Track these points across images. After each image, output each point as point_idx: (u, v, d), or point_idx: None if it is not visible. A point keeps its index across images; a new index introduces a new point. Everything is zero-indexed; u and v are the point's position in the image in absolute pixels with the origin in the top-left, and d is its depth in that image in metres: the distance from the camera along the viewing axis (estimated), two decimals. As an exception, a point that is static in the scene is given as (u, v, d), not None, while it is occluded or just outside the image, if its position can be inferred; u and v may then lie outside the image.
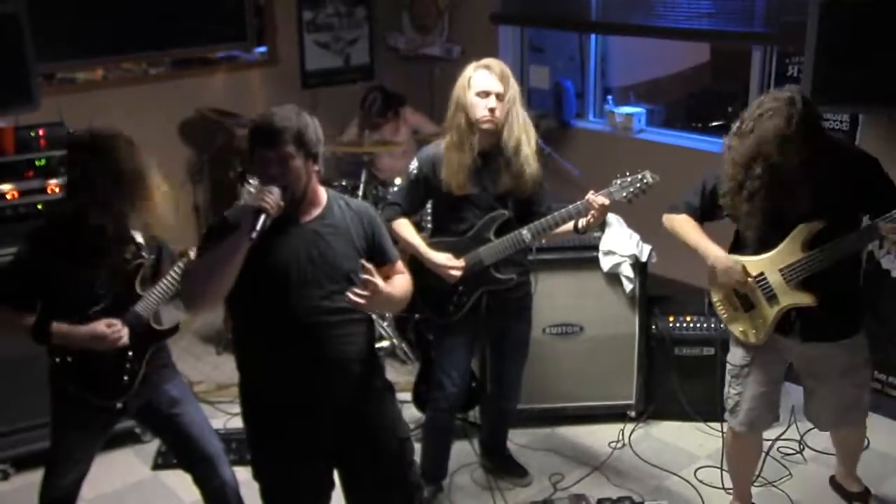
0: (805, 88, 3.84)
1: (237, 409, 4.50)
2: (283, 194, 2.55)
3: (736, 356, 3.36)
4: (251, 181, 3.11)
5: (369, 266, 2.56)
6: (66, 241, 2.90)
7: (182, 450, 3.21)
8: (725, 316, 3.32)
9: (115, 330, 2.93)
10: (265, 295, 2.63)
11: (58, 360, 3.00)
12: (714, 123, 5.74)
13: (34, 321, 2.93)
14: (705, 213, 3.31)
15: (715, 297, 3.35)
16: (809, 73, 3.90)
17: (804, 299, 3.12)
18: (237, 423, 4.42)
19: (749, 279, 3.17)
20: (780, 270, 3.13)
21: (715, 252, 3.23)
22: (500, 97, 3.32)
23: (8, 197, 3.85)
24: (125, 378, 3.03)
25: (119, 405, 3.06)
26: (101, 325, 2.91)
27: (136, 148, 2.95)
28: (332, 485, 2.89)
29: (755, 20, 4.92)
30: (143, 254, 3.03)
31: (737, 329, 3.29)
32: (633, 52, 6.05)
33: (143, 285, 3.04)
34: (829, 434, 3.69)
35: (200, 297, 2.62)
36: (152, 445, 4.22)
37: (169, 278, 3.03)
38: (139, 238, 3.04)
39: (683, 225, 3.33)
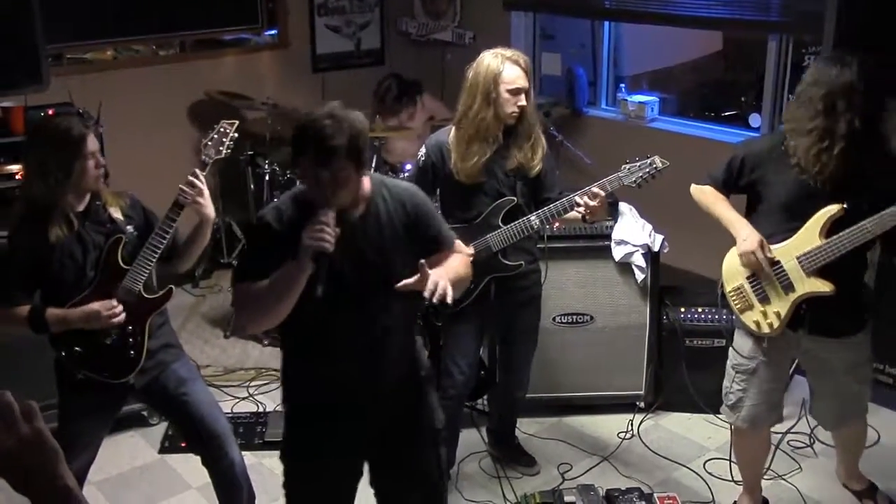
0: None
1: (244, 393, 4.56)
2: (332, 208, 2.42)
3: (743, 350, 3.30)
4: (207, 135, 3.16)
5: (422, 263, 2.43)
6: (41, 230, 2.90)
7: (190, 429, 3.20)
8: (739, 306, 3.24)
9: (110, 307, 2.92)
10: (324, 293, 2.50)
11: (63, 352, 3.00)
12: (727, 113, 5.70)
13: (29, 312, 2.93)
14: (729, 186, 3.25)
15: (728, 287, 3.27)
16: (827, 63, 3.85)
17: (821, 287, 3.06)
18: (245, 406, 4.45)
19: (771, 260, 3.11)
20: (798, 258, 3.07)
21: (738, 223, 3.18)
22: (528, 93, 3.33)
23: (18, 177, 3.84)
24: (132, 353, 3.03)
25: (131, 381, 3.06)
26: (95, 305, 2.92)
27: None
28: (360, 473, 2.84)
29: (771, 9, 4.87)
30: (121, 228, 3.02)
31: (750, 320, 3.23)
32: (646, 39, 6.00)
33: (128, 259, 3.02)
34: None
35: (256, 326, 2.62)
36: (159, 429, 4.22)
37: (150, 244, 3.00)
38: (116, 215, 3.03)
39: (708, 195, 3.28)
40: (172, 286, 3.14)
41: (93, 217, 3.00)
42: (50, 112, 4.17)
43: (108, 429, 3.26)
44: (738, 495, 3.64)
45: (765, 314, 3.19)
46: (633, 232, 4.13)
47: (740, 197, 3.28)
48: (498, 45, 3.47)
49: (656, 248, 4.14)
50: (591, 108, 5.90)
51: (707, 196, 3.29)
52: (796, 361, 3.67)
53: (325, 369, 2.63)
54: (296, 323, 2.55)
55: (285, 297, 2.44)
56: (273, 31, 6.25)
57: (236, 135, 3.25)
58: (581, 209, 3.30)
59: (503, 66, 3.31)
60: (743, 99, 5.62)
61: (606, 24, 5.80)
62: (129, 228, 3.05)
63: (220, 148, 3.17)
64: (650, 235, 4.13)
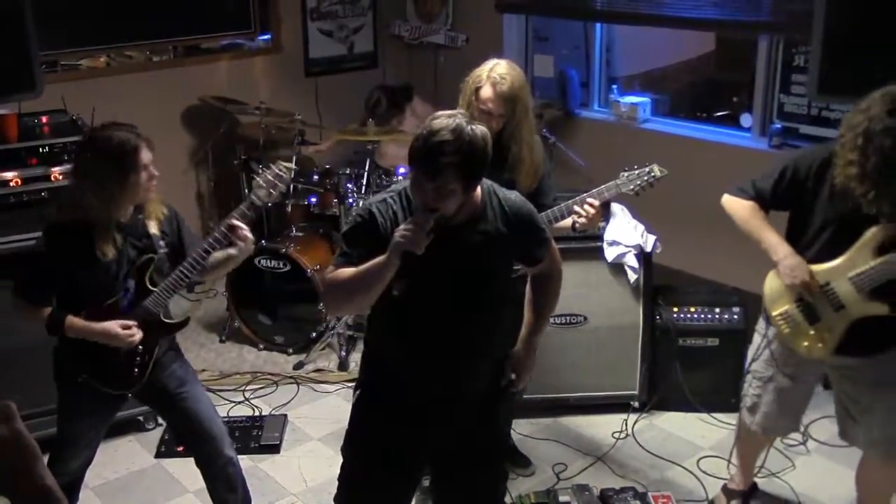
0: (811, 79, 3.82)
1: (240, 397, 4.57)
2: (434, 217, 2.39)
3: (761, 360, 3.26)
4: (259, 173, 3.11)
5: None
6: (80, 236, 2.89)
7: (187, 430, 3.22)
8: (788, 331, 3.09)
9: (129, 333, 2.95)
10: (413, 293, 2.52)
11: (71, 353, 3.02)
12: (719, 113, 5.72)
13: (49, 316, 2.95)
14: (776, 202, 3.07)
15: (775, 311, 3.10)
16: (816, 63, 3.86)
17: (878, 309, 2.91)
18: (240, 410, 4.46)
19: (817, 285, 2.98)
20: (851, 279, 2.92)
21: (784, 248, 3.03)
22: (501, 117, 3.27)
23: (11, 184, 3.84)
24: (136, 371, 3.06)
25: (128, 395, 3.10)
26: (115, 326, 2.93)
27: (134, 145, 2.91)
28: (417, 482, 2.86)
29: (762, 9, 4.89)
30: (156, 247, 3.03)
31: (801, 345, 3.07)
32: (638, 41, 6.02)
33: (155, 279, 3.03)
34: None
35: (338, 310, 2.74)
36: (156, 433, 4.23)
37: (180, 272, 3.01)
38: (153, 230, 3.03)
39: (747, 213, 3.09)
40: (190, 316, 3.17)
41: (132, 230, 3.00)
42: (43, 119, 4.18)
43: (106, 427, 3.27)
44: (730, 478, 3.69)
45: (815, 337, 3.04)
46: (625, 233, 4.15)
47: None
48: (491, 48, 3.49)
49: (649, 249, 4.15)
50: (583, 109, 5.92)
51: (746, 212, 3.11)
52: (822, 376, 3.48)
53: (399, 369, 2.63)
54: (379, 316, 2.61)
55: (369, 289, 2.44)
56: (266, 36, 6.26)
57: (291, 179, 3.17)
58: (582, 219, 3.30)
59: (484, 83, 3.25)
60: (735, 99, 5.64)
61: (599, 25, 5.82)
62: (162, 246, 3.04)
63: (272, 191, 3.11)
64: (642, 236, 4.15)
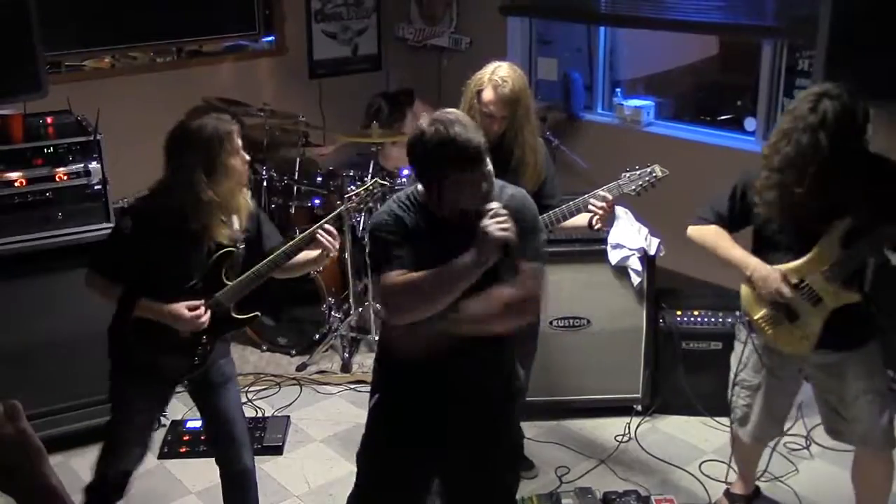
0: (815, 83, 3.82)
1: (243, 398, 4.56)
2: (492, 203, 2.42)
3: (747, 365, 3.27)
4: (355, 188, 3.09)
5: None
6: (165, 221, 2.89)
7: (218, 427, 3.22)
8: (771, 332, 3.12)
9: (198, 315, 2.94)
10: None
11: (133, 334, 2.99)
12: (723, 117, 5.72)
13: (123, 293, 2.95)
14: (735, 221, 3.15)
15: (756, 315, 3.14)
16: (820, 67, 3.87)
17: (852, 297, 2.98)
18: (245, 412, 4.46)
19: (791, 287, 3.02)
20: (823, 272, 2.97)
21: (752, 262, 3.08)
22: (503, 119, 3.30)
23: (16, 184, 3.85)
24: (195, 360, 3.06)
25: (185, 383, 3.11)
26: (183, 308, 2.92)
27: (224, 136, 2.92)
28: (430, 485, 2.83)
29: (766, 13, 4.90)
30: (236, 242, 3.02)
31: (785, 343, 3.11)
32: (642, 44, 6.03)
33: (231, 273, 3.03)
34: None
35: (411, 316, 2.47)
36: (158, 434, 4.22)
37: (257, 273, 3.01)
38: (235, 224, 3.03)
39: (713, 237, 3.17)
40: (259, 313, 3.17)
41: None
42: (48, 120, 4.19)
43: (154, 426, 3.32)
44: (732, 482, 3.69)
45: (798, 334, 3.08)
46: (629, 236, 4.14)
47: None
48: (495, 51, 3.50)
49: (652, 252, 4.15)
50: (587, 112, 5.92)
51: (711, 236, 3.17)
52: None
53: (415, 368, 2.60)
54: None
55: (454, 290, 2.40)
56: (270, 38, 6.28)
57: (378, 194, 3.22)
58: (601, 212, 3.30)
59: (486, 86, 3.28)
60: (739, 103, 5.65)
61: (602, 28, 5.82)
62: (241, 240, 3.04)
63: (362, 207, 3.18)
64: (646, 239, 4.14)
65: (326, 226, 3.04)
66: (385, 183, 3.18)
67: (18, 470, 1.26)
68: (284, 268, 3.10)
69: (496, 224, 2.37)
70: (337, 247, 3.08)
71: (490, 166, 2.42)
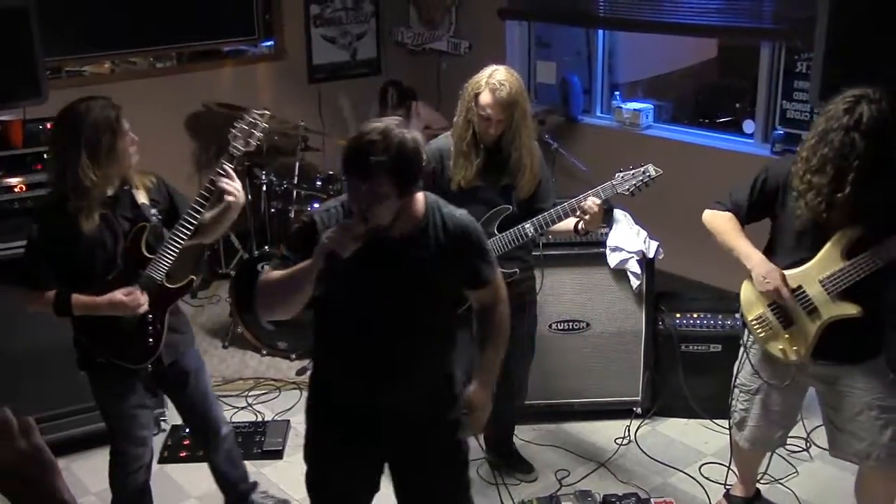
0: (814, 85, 3.83)
1: (243, 403, 4.58)
2: (367, 224, 2.37)
3: (745, 369, 3.27)
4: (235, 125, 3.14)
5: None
6: (68, 215, 2.91)
7: (194, 411, 3.36)
8: (763, 335, 3.13)
9: (134, 297, 2.96)
10: (348, 306, 2.54)
11: (84, 336, 3.05)
12: (721, 119, 5.73)
13: (55, 296, 2.96)
14: (752, 212, 3.14)
15: (751, 316, 3.16)
16: (818, 69, 3.87)
17: (848, 310, 2.96)
18: (243, 416, 4.47)
19: (790, 290, 3.01)
20: (821, 282, 2.97)
21: (755, 256, 3.09)
22: (500, 124, 3.33)
23: (16, 190, 3.86)
24: (150, 340, 3.08)
25: (149, 367, 3.12)
26: (118, 294, 2.95)
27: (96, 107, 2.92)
28: (376, 487, 2.82)
29: (764, 16, 4.90)
30: (147, 216, 3.04)
31: (776, 348, 3.11)
32: (641, 47, 6.04)
33: (151, 247, 3.05)
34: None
35: (269, 313, 2.66)
36: (159, 439, 4.23)
37: (174, 234, 3.02)
38: (141, 200, 3.05)
39: (724, 224, 3.16)
40: (193, 276, 3.19)
41: (121, 203, 3.01)
42: (48, 125, 4.19)
43: (151, 411, 3.38)
44: (733, 485, 3.69)
45: (790, 341, 3.08)
46: (628, 238, 4.15)
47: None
48: (494, 55, 3.52)
49: (651, 255, 4.16)
50: (585, 115, 5.93)
51: (722, 223, 3.17)
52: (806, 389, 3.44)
53: (341, 376, 2.64)
54: (319, 326, 2.66)
55: (294, 290, 2.46)
56: (269, 43, 6.29)
57: (267, 125, 3.20)
58: (587, 216, 3.30)
59: (483, 90, 3.30)
60: (737, 105, 5.66)
61: (601, 32, 5.83)
62: (154, 214, 3.06)
63: (250, 140, 3.14)
64: (645, 242, 4.15)
65: (219, 168, 3.05)
66: (267, 112, 3.17)
67: (33, 485, 1.26)
68: (203, 230, 3.11)
69: (328, 233, 2.39)
70: (239, 188, 3.07)
71: (384, 186, 2.33)
